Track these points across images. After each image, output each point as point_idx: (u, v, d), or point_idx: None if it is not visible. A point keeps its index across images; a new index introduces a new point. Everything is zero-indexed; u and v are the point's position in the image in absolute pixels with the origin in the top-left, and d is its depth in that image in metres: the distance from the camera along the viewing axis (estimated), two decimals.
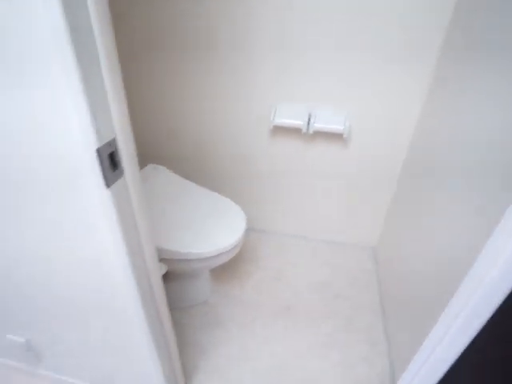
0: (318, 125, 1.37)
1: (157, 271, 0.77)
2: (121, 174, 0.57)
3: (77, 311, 0.81)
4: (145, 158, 1.74)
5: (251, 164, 1.64)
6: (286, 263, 1.69)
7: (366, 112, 1.37)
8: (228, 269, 1.61)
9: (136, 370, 0.93)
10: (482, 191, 0.77)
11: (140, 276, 0.69)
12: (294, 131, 1.49)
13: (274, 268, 1.65)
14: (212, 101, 1.49)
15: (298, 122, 1.39)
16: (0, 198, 0.61)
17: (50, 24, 0.40)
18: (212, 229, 1.18)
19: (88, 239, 0.62)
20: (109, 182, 0.54)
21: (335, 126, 1.37)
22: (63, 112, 0.47)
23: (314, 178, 1.61)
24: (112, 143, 0.53)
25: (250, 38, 1.30)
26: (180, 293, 1.38)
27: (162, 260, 1.10)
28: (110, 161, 0.54)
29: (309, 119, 1.39)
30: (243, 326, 1.36)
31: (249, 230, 1.88)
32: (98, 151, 0.50)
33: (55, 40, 0.41)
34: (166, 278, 1.23)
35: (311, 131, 1.39)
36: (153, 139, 1.70)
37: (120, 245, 0.60)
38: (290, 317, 1.41)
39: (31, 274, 0.75)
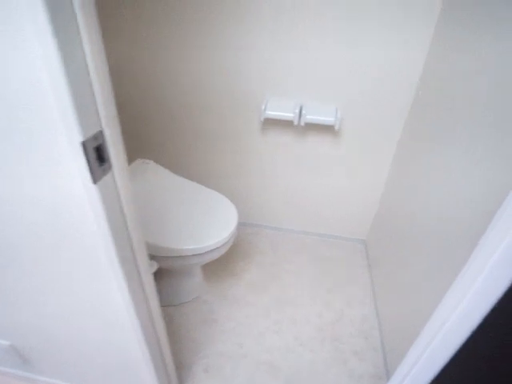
0: (310, 117, 1.35)
1: (147, 269, 0.75)
2: (108, 168, 0.53)
3: (65, 316, 0.77)
4: (132, 153, 1.69)
5: (243, 158, 1.61)
6: (279, 257, 1.67)
7: (357, 102, 1.36)
8: (221, 264, 1.59)
9: (128, 370, 0.91)
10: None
11: (130, 274, 0.66)
12: (285, 124, 1.47)
13: (267, 263, 1.64)
14: (203, 93, 1.46)
15: (289, 114, 1.37)
16: None
17: None
18: (203, 224, 1.15)
19: (74, 236, 0.59)
20: (96, 178, 0.50)
21: (326, 118, 1.35)
22: (45, 101, 0.43)
23: (305, 170, 1.59)
24: (98, 136, 0.50)
25: (242, 28, 1.27)
26: (171, 289, 1.35)
27: (151, 257, 1.07)
28: (97, 155, 0.51)
29: (300, 111, 1.37)
30: (237, 322, 1.34)
31: (241, 225, 1.86)
32: (84, 144, 0.47)
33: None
34: (157, 274, 1.20)
35: (303, 123, 1.37)
36: (141, 133, 1.65)
37: (108, 242, 0.57)
38: (283, 312, 1.40)
39: (18, 273, 0.72)
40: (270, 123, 1.48)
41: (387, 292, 1.33)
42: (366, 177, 1.55)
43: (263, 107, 1.38)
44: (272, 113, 1.38)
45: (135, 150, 1.70)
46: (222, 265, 1.59)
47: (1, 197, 0.56)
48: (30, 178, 0.52)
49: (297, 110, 1.36)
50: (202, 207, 1.22)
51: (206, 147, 1.62)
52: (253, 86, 1.39)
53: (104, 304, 0.71)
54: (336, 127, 1.35)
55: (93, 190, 0.51)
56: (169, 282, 1.32)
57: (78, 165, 0.49)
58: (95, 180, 0.50)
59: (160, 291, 0.87)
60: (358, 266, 1.65)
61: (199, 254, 1.11)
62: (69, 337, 0.85)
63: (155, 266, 1.04)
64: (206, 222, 1.16)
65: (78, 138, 0.46)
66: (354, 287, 1.53)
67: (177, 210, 1.20)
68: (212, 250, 1.12)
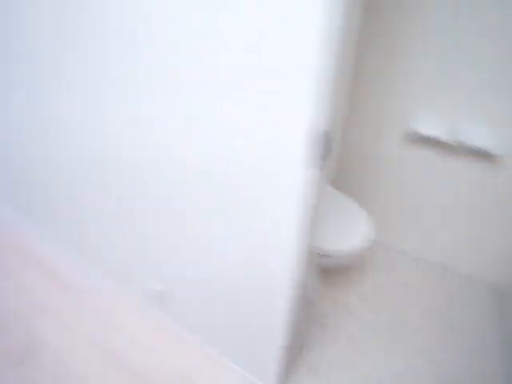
0: (463, 139, 1.25)
1: (308, 250, 0.80)
2: (324, 159, 0.60)
3: (225, 279, 0.88)
4: None
5: (382, 173, 1.58)
6: (394, 279, 1.59)
7: None
8: (335, 273, 1.59)
9: (256, 351, 0.97)
10: None
11: (300, 250, 0.72)
12: (433, 144, 1.38)
13: (381, 282, 1.58)
14: (350, 104, 1.49)
15: (438, 133, 1.29)
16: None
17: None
18: (342, 230, 1.21)
19: (272, 212, 0.68)
20: (316, 164, 0.57)
21: (483, 143, 1.22)
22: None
23: (445, 195, 1.48)
24: (326, 133, 0.57)
25: (400, 45, 1.26)
26: None
27: None
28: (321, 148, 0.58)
29: (452, 132, 1.28)
30: (348, 332, 1.33)
31: None
32: (315, 137, 0.54)
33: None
34: None
35: (454, 145, 1.27)
36: None
37: (300, 225, 0.65)
38: (392, 335, 1.33)
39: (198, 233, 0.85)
40: (418, 141, 1.41)
41: None
42: None
43: (412, 124, 1.34)
44: (421, 130, 1.32)
45: None
46: (336, 273, 1.59)
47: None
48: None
49: (449, 130, 1.27)
50: (340, 214, 1.28)
51: (348, 157, 1.61)
52: (399, 99, 1.37)
53: (265, 280, 0.78)
54: (494, 154, 1.22)
55: (309, 173, 0.58)
56: None
57: (305, 152, 0.56)
58: (315, 166, 0.57)
59: None
60: (487, 312, 1.46)
61: (328, 256, 1.15)
62: (218, 300, 0.96)
63: None
64: (344, 230, 1.22)
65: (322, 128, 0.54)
66: (477, 333, 1.36)
67: (325, 214, 1.27)
68: (341, 256, 1.15)
